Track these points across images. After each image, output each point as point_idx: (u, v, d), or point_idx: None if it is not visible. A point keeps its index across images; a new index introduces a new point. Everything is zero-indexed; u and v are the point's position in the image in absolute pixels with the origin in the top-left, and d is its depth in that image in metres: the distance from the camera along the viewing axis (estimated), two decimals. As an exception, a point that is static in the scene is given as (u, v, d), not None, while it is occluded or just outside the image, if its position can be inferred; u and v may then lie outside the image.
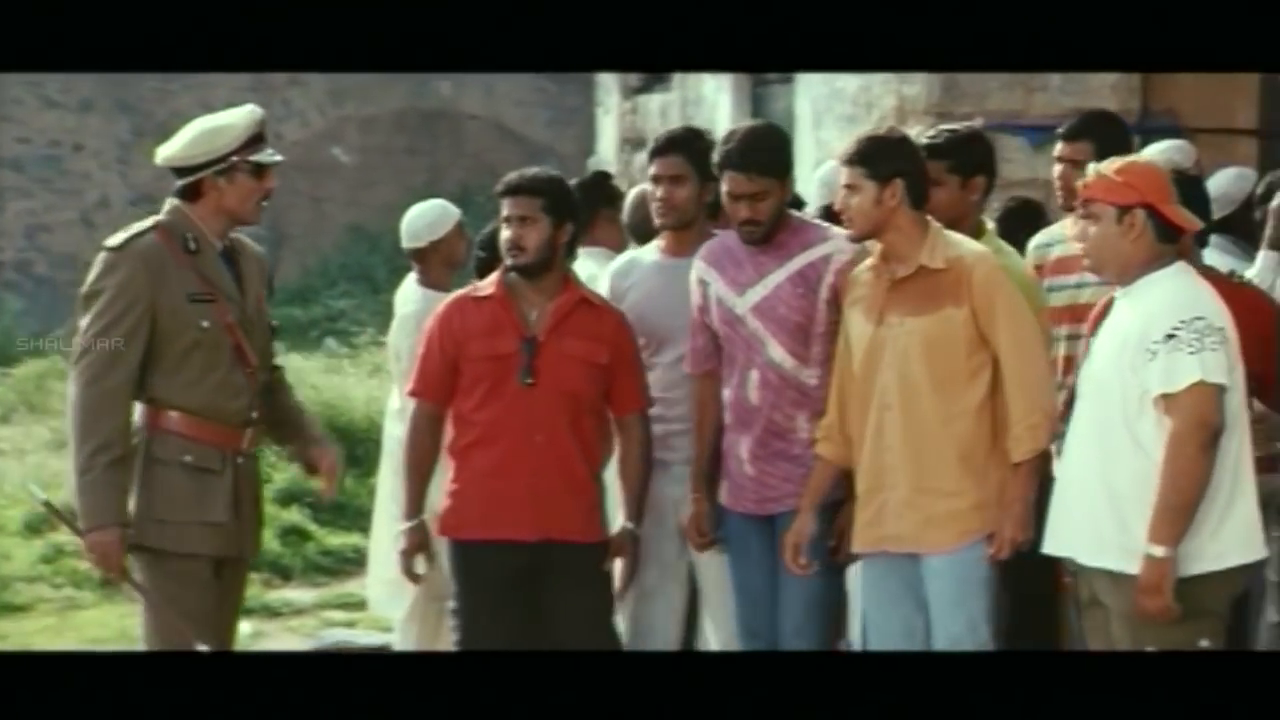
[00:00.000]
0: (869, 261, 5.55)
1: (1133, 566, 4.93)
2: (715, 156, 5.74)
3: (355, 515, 11.06)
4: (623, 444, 5.92)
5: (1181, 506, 4.89)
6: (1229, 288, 5.31)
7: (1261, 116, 8.56)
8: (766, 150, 5.72)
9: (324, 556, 10.54)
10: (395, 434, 7.11)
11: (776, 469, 5.72)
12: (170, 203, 5.52)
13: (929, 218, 5.52)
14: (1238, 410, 4.98)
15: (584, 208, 6.68)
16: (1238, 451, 4.97)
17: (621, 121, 13.58)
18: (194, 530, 5.40)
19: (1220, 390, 4.89)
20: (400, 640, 7.12)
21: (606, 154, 14.06)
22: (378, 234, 19.42)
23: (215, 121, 5.51)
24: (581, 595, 5.77)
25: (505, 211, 5.82)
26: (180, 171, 5.49)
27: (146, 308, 5.35)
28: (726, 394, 5.80)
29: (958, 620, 5.37)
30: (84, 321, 5.39)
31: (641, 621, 6.00)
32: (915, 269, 5.42)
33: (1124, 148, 5.92)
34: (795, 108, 10.41)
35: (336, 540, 10.59)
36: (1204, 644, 4.94)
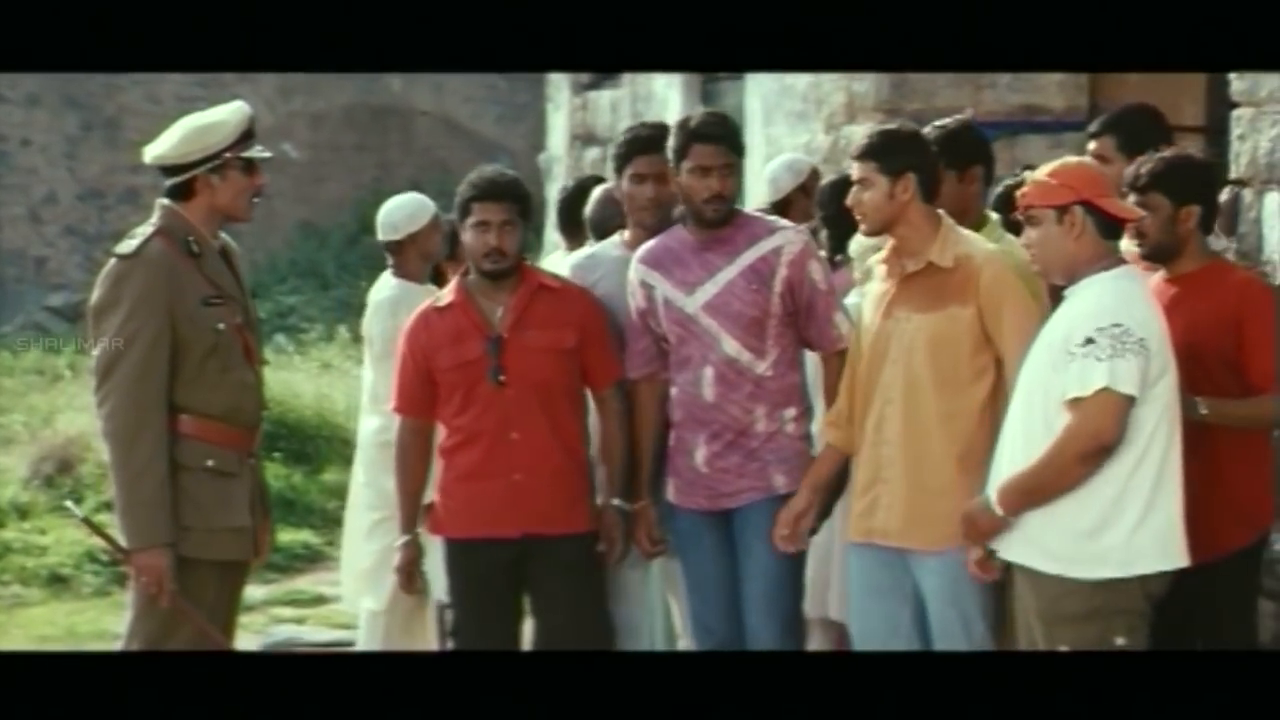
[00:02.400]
0: (882, 254, 5.55)
1: (1049, 565, 4.98)
2: (674, 141, 5.72)
3: (304, 512, 11.06)
4: (601, 419, 5.93)
5: (1034, 493, 4.95)
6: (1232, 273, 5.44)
7: (1208, 113, 8.60)
8: (733, 128, 5.78)
9: (273, 553, 10.44)
10: (369, 427, 7.08)
11: (731, 465, 5.73)
12: (161, 205, 5.44)
13: (941, 213, 5.53)
14: (1160, 418, 4.95)
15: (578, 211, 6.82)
16: (1161, 458, 4.96)
17: (572, 117, 13.58)
18: (219, 536, 5.36)
19: (1127, 401, 4.88)
20: (367, 633, 7.07)
21: (557, 150, 14.06)
22: (327, 230, 19.41)
23: (205, 119, 5.46)
24: (569, 586, 5.81)
25: (482, 216, 5.79)
26: (171, 171, 5.42)
27: (167, 314, 5.28)
28: (674, 393, 5.81)
29: (953, 618, 5.37)
30: (102, 335, 5.30)
31: (621, 621, 6.00)
32: (924, 265, 5.43)
33: (1150, 140, 5.80)
34: (745, 104, 10.43)
35: (286, 537, 10.55)
36: (1119, 642, 4.94)
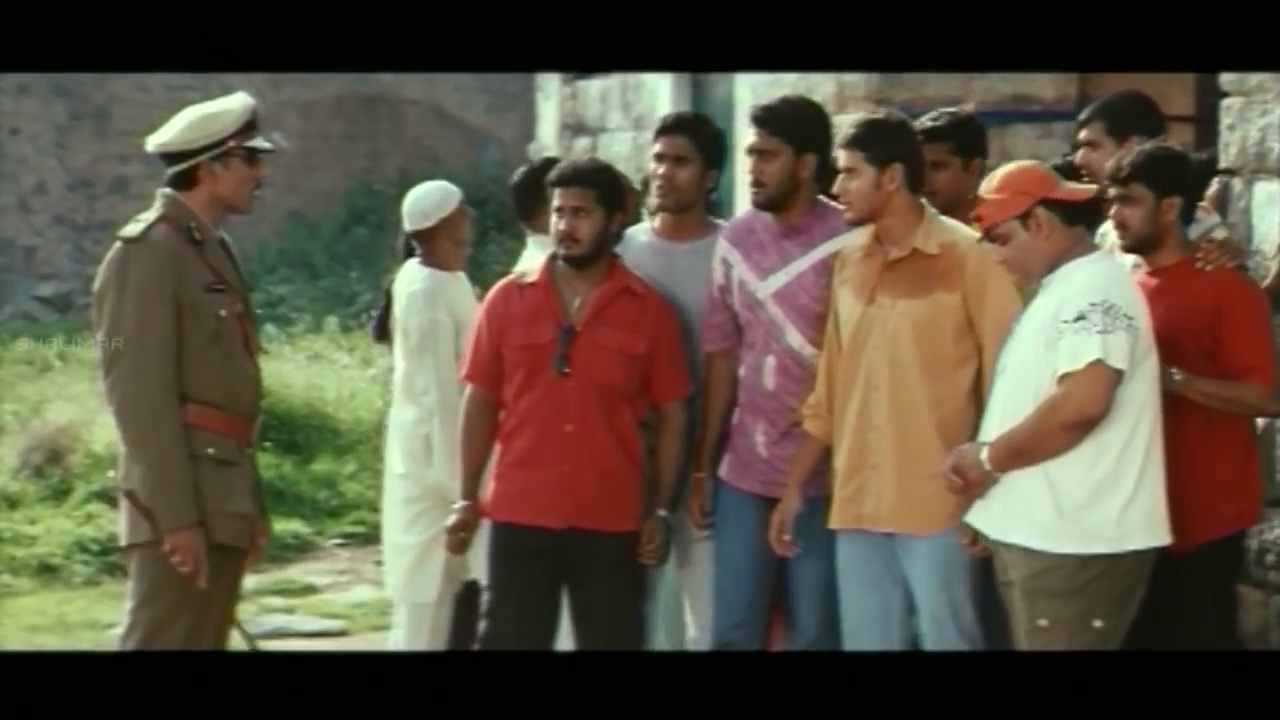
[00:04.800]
0: (860, 241, 5.56)
1: (1040, 542, 5.05)
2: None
3: (294, 502, 11.06)
4: (661, 432, 5.91)
5: (1019, 455, 5.05)
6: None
7: (1198, 103, 8.62)
8: (786, 113, 5.76)
9: (263, 543, 10.49)
10: (405, 417, 6.99)
11: (789, 454, 5.73)
12: (163, 194, 5.46)
13: (924, 202, 5.55)
14: (1147, 397, 5.06)
15: (532, 193, 6.71)
16: (1148, 439, 5.06)
17: (562, 107, 13.56)
18: (220, 520, 5.37)
19: (1116, 375, 4.97)
20: (412, 627, 6.98)
21: (547, 139, 14.05)
22: (317, 220, 19.37)
23: (209, 108, 5.48)
24: (607, 585, 5.81)
25: (558, 202, 5.83)
26: (174, 159, 5.44)
27: (172, 298, 5.29)
28: (741, 373, 5.81)
29: (942, 604, 5.41)
30: (107, 318, 5.31)
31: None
32: (909, 252, 5.46)
33: (1140, 126, 5.84)
34: (735, 94, 10.42)
35: (276, 527, 10.43)
36: (1097, 624, 5.03)
